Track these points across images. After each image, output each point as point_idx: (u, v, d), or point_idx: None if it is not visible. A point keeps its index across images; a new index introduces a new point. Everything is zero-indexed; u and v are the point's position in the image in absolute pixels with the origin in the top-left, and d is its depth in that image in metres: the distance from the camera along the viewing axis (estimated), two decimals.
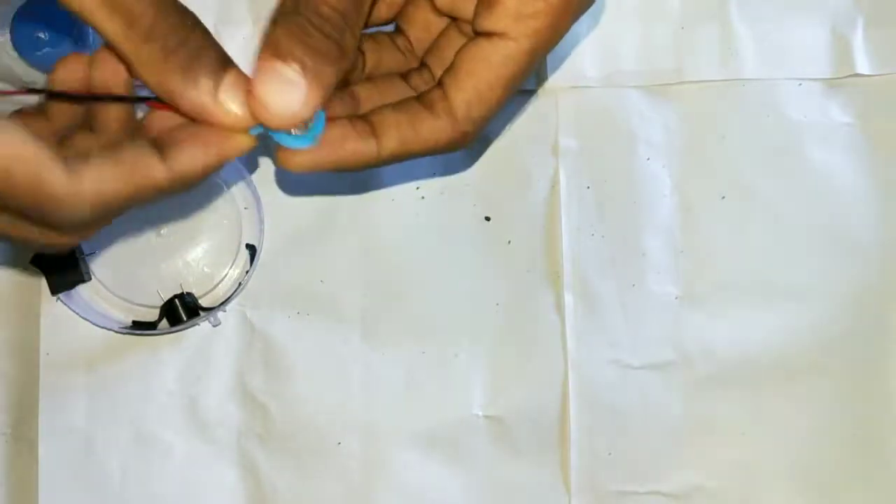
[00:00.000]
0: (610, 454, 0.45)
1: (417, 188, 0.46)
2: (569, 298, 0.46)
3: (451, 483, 0.45)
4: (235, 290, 0.45)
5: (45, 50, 0.44)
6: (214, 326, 0.45)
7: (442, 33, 0.35)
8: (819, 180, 0.47)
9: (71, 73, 0.30)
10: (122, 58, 0.28)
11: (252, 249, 0.46)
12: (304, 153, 0.30)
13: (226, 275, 0.46)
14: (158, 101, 0.29)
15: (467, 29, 0.34)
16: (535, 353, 0.46)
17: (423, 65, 0.35)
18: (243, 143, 0.29)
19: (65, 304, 0.44)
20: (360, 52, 0.35)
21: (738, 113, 0.47)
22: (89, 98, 0.30)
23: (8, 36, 0.44)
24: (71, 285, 0.44)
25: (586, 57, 0.47)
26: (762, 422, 0.46)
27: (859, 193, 0.47)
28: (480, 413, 0.46)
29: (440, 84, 0.32)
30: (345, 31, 0.28)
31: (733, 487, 0.46)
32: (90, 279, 0.45)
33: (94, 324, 0.44)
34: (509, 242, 0.46)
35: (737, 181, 0.47)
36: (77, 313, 0.44)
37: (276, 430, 0.45)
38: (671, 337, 0.46)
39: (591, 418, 0.45)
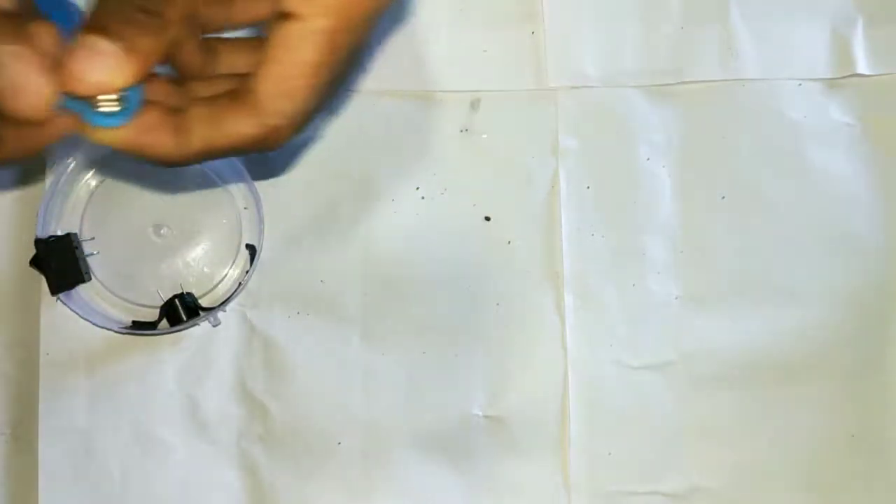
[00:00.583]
0: (610, 454, 0.45)
1: (417, 188, 0.46)
2: (569, 298, 0.46)
3: (451, 483, 0.45)
4: (235, 290, 0.45)
5: None
6: (214, 326, 0.45)
7: None
8: (819, 180, 0.47)
9: None
10: None
11: (252, 249, 0.46)
12: (108, 129, 0.29)
13: (226, 275, 0.46)
14: None
15: None
16: (535, 353, 0.46)
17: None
18: None
19: (65, 304, 0.44)
20: (212, 50, 0.33)
21: (738, 113, 0.47)
22: None
23: None
24: (71, 285, 0.44)
25: (586, 57, 0.47)
26: (762, 422, 0.46)
27: (859, 193, 0.47)
28: (480, 413, 0.46)
29: (250, 75, 0.29)
30: (166, 5, 0.28)
31: (733, 487, 0.46)
32: (90, 279, 0.45)
33: (94, 324, 0.44)
34: (509, 242, 0.46)
35: (737, 181, 0.47)
36: (77, 313, 0.44)
37: (276, 430, 0.45)
38: (671, 337, 0.46)
39: (591, 418, 0.45)
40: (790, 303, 0.46)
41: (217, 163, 0.46)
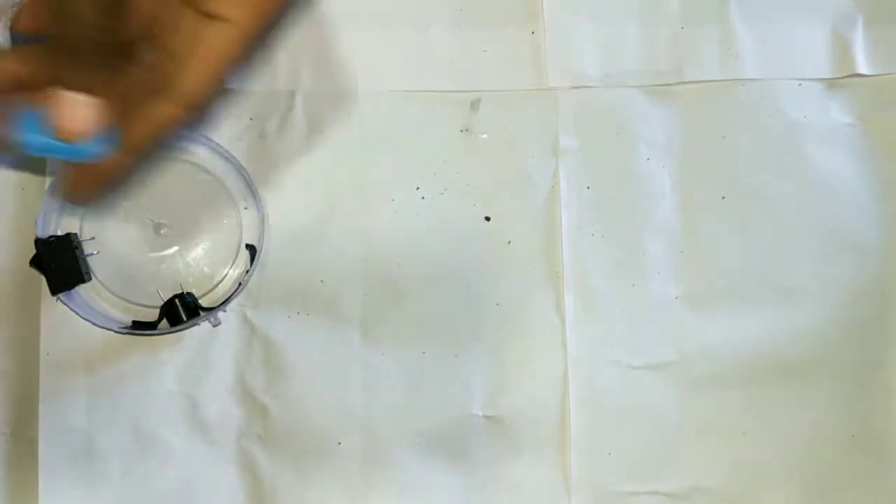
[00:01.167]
0: (610, 454, 0.45)
1: (417, 188, 0.46)
2: (569, 298, 0.46)
3: (451, 483, 0.45)
4: (235, 290, 0.45)
5: None
6: (214, 326, 0.45)
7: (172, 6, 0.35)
8: (819, 180, 0.47)
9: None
10: None
11: (252, 249, 0.46)
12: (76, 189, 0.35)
13: (226, 275, 0.46)
14: None
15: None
16: (535, 353, 0.46)
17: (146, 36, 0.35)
18: None
19: (65, 304, 0.44)
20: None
21: (738, 113, 0.47)
22: None
23: (8, 36, 0.44)
24: (71, 285, 0.44)
25: (586, 57, 0.47)
26: (762, 422, 0.46)
27: (859, 193, 0.47)
28: (480, 413, 0.46)
29: (164, 66, 0.33)
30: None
31: (733, 487, 0.46)
32: (90, 279, 0.45)
33: (94, 324, 0.44)
34: (509, 242, 0.46)
35: (737, 181, 0.47)
36: (77, 313, 0.44)
37: (276, 430, 0.45)
38: (671, 337, 0.46)
39: (591, 418, 0.45)
40: (790, 303, 0.46)
41: (217, 162, 0.46)
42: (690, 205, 0.47)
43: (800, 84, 0.47)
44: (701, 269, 0.46)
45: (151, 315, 0.45)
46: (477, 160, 0.46)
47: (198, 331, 0.46)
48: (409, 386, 0.46)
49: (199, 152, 0.46)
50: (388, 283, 0.46)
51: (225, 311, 0.45)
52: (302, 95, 0.46)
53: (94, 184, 0.35)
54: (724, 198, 0.47)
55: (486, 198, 0.46)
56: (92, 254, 0.45)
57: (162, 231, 0.46)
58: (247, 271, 0.45)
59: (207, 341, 0.46)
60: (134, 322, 0.45)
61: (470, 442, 0.45)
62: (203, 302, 0.45)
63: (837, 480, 0.46)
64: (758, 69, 0.47)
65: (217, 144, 0.45)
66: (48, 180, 0.45)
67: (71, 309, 0.44)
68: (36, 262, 0.44)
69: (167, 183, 0.46)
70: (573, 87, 0.47)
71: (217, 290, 0.46)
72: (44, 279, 0.44)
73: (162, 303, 0.45)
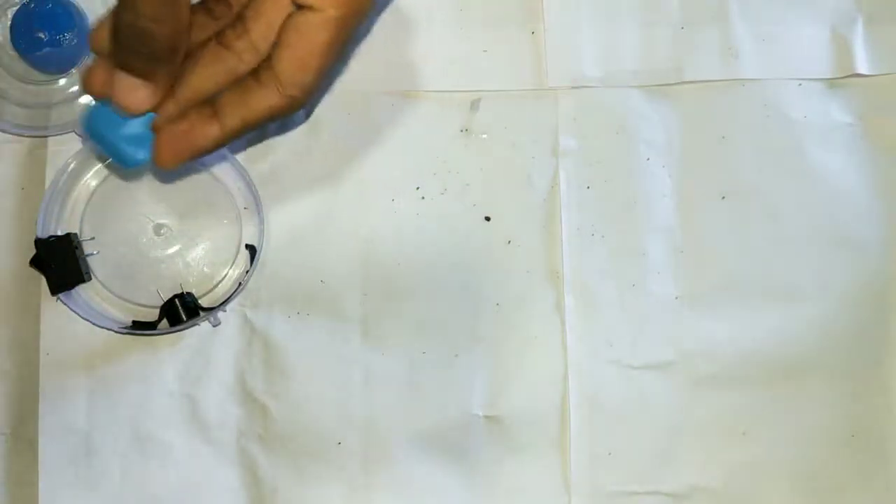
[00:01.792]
0: (610, 454, 0.45)
1: (417, 188, 0.46)
2: (569, 298, 0.46)
3: (451, 483, 0.45)
4: (235, 290, 0.45)
5: (45, 50, 0.44)
6: (214, 326, 0.45)
7: None
8: (819, 180, 0.47)
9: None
10: None
11: (252, 249, 0.46)
12: (166, 153, 0.36)
13: (226, 275, 0.46)
14: None
15: None
16: (535, 353, 0.46)
17: (238, 22, 0.36)
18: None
19: (65, 304, 0.44)
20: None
21: (738, 113, 0.47)
22: None
23: (8, 35, 0.44)
24: (71, 285, 0.44)
25: (586, 57, 0.47)
26: (762, 422, 0.46)
27: (859, 193, 0.47)
28: (480, 413, 0.46)
29: (267, 56, 0.35)
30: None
31: (733, 487, 0.46)
32: (90, 279, 0.45)
33: (94, 324, 0.44)
34: (509, 242, 0.46)
35: (737, 181, 0.47)
36: (77, 313, 0.44)
37: (276, 430, 0.45)
38: (671, 337, 0.46)
39: (591, 418, 0.45)
40: (790, 303, 0.46)
41: (218, 162, 0.46)
42: (690, 205, 0.47)
43: (800, 84, 0.47)
44: (701, 269, 0.46)
45: (151, 315, 0.45)
46: (477, 160, 0.46)
47: (198, 331, 0.46)
48: (409, 386, 0.46)
49: None
50: (388, 283, 0.46)
51: (225, 311, 0.45)
52: None
53: (185, 152, 0.36)
54: (723, 198, 0.47)
55: (486, 198, 0.46)
56: (92, 254, 0.45)
57: (162, 231, 0.46)
58: (247, 271, 0.45)
59: (207, 341, 0.46)
60: (134, 322, 0.45)
61: (470, 442, 0.45)
62: (203, 302, 0.45)
63: (837, 480, 0.46)
64: (758, 69, 0.47)
65: None
66: (48, 180, 0.45)
67: (71, 309, 0.44)
68: (36, 262, 0.44)
69: (167, 183, 0.46)
70: (573, 88, 0.47)
71: (217, 290, 0.46)
72: (44, 279, 0.44)
73: (162, 303, 0.45)
